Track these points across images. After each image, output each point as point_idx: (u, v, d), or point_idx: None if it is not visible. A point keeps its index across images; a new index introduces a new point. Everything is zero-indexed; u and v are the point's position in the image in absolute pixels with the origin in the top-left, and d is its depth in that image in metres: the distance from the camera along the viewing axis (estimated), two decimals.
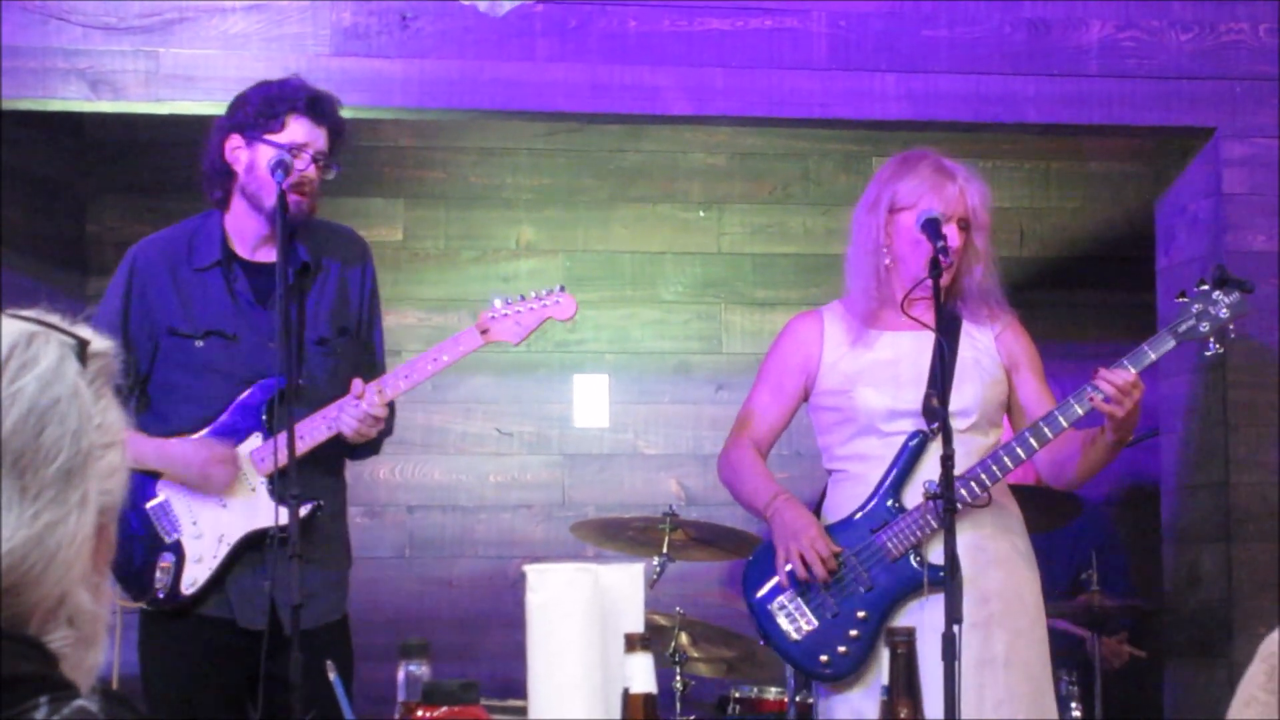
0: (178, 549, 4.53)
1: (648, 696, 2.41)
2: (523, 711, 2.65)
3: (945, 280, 4.54)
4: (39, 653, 1.50)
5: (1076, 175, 7.07)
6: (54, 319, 1.56)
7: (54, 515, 1.50)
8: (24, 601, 1.49)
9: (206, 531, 4.53)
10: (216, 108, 5.32)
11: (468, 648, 6.38)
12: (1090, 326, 6.91)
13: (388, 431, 4.74)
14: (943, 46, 5.52)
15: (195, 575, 4.51)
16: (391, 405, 4.68)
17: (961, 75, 5.53)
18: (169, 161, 6.54)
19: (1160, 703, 5.97)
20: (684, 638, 5.61)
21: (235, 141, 4.54)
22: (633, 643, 2.40)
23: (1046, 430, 4.45)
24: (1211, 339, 4.51)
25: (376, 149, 6.71)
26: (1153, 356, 4.47)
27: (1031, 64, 5.55)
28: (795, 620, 4.59)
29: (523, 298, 4.65)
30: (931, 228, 4.41)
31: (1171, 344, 4.50)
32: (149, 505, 4.56)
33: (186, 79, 5.27)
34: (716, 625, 5.89)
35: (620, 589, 2.65)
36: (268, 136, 4.51)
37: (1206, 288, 4.53)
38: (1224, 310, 4.50)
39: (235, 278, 4.59)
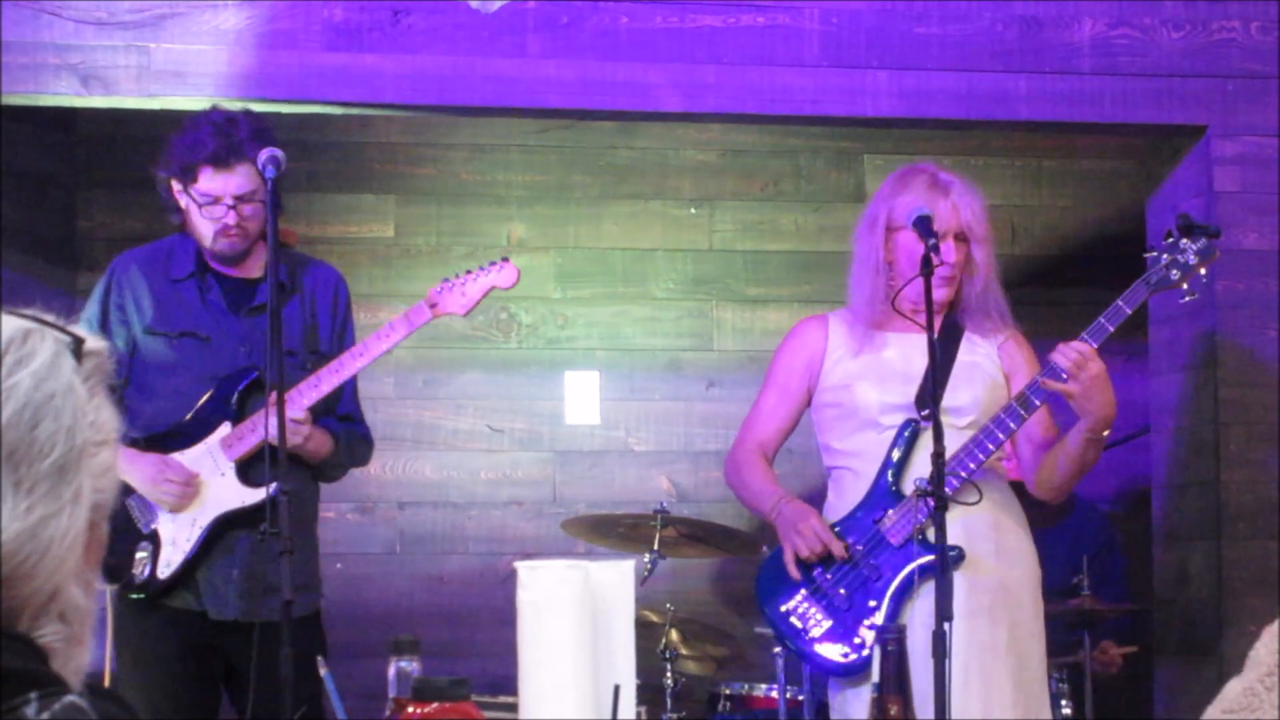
0: (154, 537, 4.67)
1: None
2: (513, 708, 2.64)
3: (947, 294, 4.61)
4: (29, 649, 1.50)
5: (1068, 173, 7.07)
6: (49, 317, 1.57)
7: (47, 510, 1.50)
8: (17, 596, 1.49)
9: (180, 515, 4.66)
10: (207, 103, 5.32)
11: (458, 644, 6.37)
12: (1081, 324, 6.85)
13: (342, 459, 4.89)
14: (934, 44, 5.53)
15: (170, 558, 4.65)
16: (357, 436, 4.88)
17: (953, 72, 5.53)
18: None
19: (1151, 700, 5.98)
20: (675, 635, 5.62)
21: (175, 185, 4.73)
22: None
23: (1021, 409, 4.52)
24: (1184, 286, 4.61)
25: (368, 145, 6.71)
26: (1127, 310, 4.60)
27: (1023, 61, 5.55)
28: (811, 620, 4.61)
29: (468, 271, 4.84)
30: (923, 225, 4.42)
31: (1144, 295, 4.65)
32: (128, 499, 4.69)
33: (177, 74, 5.27)
34: (707, 622, 5.89)
35: (611, 586, 2.65)
36: (191, 188, 4.68)
37: (1173, 239, 4.63)
38: (1193, 257, 4.62)
39: (209, 288, 4.78)
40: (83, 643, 1.56)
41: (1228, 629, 5.54)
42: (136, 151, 6.49)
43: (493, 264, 4.85)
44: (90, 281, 6.48)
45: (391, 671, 2.51)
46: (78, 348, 1.56)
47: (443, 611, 6.54)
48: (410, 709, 2.33)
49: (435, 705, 2.30)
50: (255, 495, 4.63)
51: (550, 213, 6.80)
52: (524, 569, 2.60)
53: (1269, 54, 5.64)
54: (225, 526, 4.66)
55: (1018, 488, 4.83)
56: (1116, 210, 6.96)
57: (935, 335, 4.39)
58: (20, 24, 5.18)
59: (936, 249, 4.36)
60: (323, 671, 2.92)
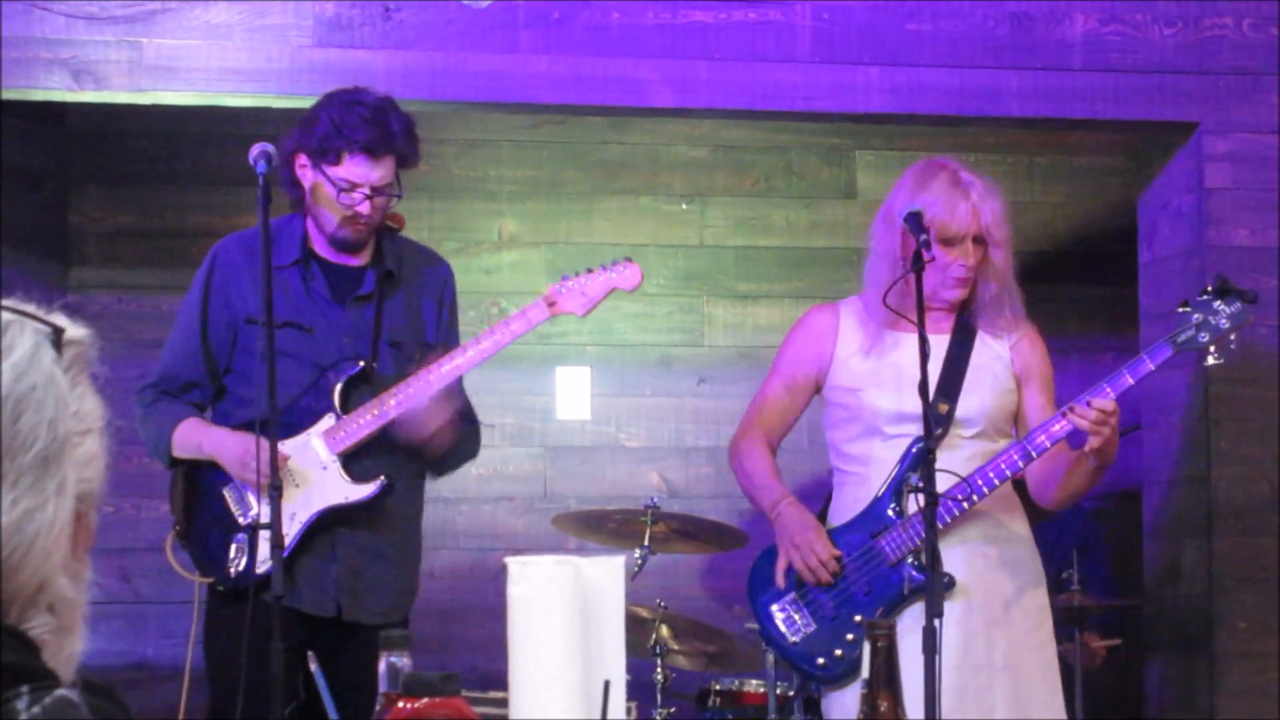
0: (251, 529, 4.50)
1: None
2: (503, 703, 2.64)
3: (960, 295, 4.57)
4: (20, 641, 1.50)
5: (1060, 169, 7.07)
6: (29, 307, 1.56)
7: (32, 502, 1.50)
8: (4, 589, 1.49)
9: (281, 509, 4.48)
10: (199, 98, 5.33)
11: (449, 639, 6.37)
12: (1072, 321, 6.91)
13: (469, 449, 4.82)
14: (926, 40, 5.53)
15: (268, 553, 4.46)
16: (469, 429, 4.77)
17: (945, 68, 5.53)
18: (151, 152, 6.53)
19: (1141, 696, 5.99)
20: (665, 630, 5.62)
21: (302, 160, 4.58)
22: None
23: (1033, 450, 4.46)
24: (1212, 349, 4.49)
25: None
26: (1151, 366, 4.45)
27: (1015, 58, 5.55)
28: (794, 623, 4.61)
29: (589, 270, 4.70)
30: (914, 221, 4.40)
31: (1170, 353, 4.46)
32: (225, 489, 4.61)
33: (169, 69, 5.26)
34: (698, 618, 5.89)
35: (601, 582, 2.65)
36: (325, 168, 4.54)
37: (1208, 297, 4.48)
38: (1225, 320, 4.45)
39: (312, 276, 4.66)
40: (73, 633, 1.56)
41: (1218, 625, 5.55)
42: (128, 146, 6.50)
43: (615, 263, 4.70)
44: (82, 276, 6.49)
45: (382, 666, 2.50)
46: (58, 338, 1.55)
47: (433, 607, 6.52)
48: (400, 704, 2.32)
49: (425, 700, 2.29)
50: (360, 491, 4.55)
51: (541, 208, 6.80)
52: (514, 564, 2.60)
53: (1260, 50, 5.65)
54: (326, 523, 4.54)
55: (1017, 484, 4.79)
56: (1108, 206, 6.96)
57: (947, 335, 4.40)
58: (12, 18, 5.17)
59: (928, 245, 4.35)
60: (313, 667, 2.92)
